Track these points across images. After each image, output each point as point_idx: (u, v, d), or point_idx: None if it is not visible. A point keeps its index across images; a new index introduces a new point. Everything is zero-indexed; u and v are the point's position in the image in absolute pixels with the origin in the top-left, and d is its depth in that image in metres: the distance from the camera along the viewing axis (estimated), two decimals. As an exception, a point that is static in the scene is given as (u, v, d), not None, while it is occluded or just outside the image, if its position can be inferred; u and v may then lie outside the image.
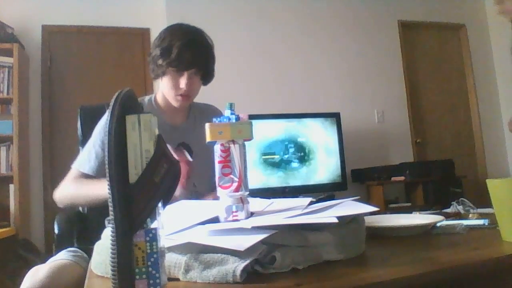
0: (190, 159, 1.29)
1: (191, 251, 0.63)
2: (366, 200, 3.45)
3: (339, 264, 0.68)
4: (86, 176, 1.28)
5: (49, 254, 1.39)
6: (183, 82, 1.28)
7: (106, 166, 0.51)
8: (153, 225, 0.54)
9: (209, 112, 1.43)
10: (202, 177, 1.32)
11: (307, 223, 0.68)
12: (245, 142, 0.78)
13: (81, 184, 1.27)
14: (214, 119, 0.77)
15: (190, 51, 1.25)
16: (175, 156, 0.60)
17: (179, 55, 1.24)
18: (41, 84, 3.66)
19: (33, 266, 1.13)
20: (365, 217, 0.87)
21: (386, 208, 3.59)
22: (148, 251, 0.52)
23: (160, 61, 1.26)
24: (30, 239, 3.24)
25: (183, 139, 1.34)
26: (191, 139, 1.35)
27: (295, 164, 3.64)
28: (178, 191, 0.80)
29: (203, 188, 1.34)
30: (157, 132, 0.57)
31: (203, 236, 0.66)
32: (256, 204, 0.82)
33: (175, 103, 1.33)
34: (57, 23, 3.73)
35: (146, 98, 1.41)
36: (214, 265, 0.61)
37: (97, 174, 1.26)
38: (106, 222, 1.25)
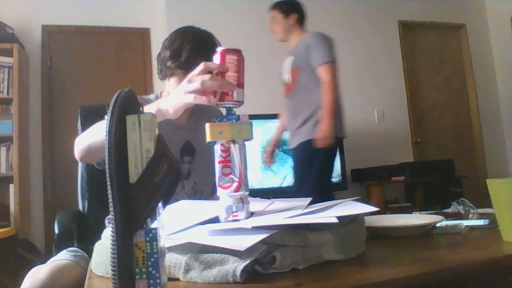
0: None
1: (191, 251, 0.63)
2: (366, 200, 3.45)
3: (339, 264, 0.68)
4: None
5: (49, 254, 1.39)
6: None
7: (106, 166, 0.51)
8: (153, 225, 0.54)
9: (209, 111, 1.44)
10: (204, 175, 1.36)
11: (307, 223, 0.68)
12: (245, 142, 0.78)
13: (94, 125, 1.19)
14: (214, 119, 0.77)
15: (200, 55, 1.25)
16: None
17: (189, 58, 1.25)
18: (41, 84, 3.66)
19: (33, 266, 1.13)
20: (365, 217, 0.87)
21: (386, 208, 3.59)
22: (148, 251, 0.52)
23: (169, 63, 1.28)
24: (30, 239, 3.25)
25: (188, 139, 1.36)
26: (193, 138, 1.37)
27: (295, 164, 3.64)
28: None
29: (204, 187, 1.37)
30: (157, 132, 0.57)
31: (203, 236, 0.66)
32: (256, 204, 0.82)
33: None
34: (57, 23, 3.73)
35: (152, 96, 1.41)
36: (214, 265, 0.61)
37: None
38: (106, 221, 1.26)
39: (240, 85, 0.80)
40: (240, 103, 0.79)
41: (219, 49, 0.81)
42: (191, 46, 1.27)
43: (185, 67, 1.26)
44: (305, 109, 2.53)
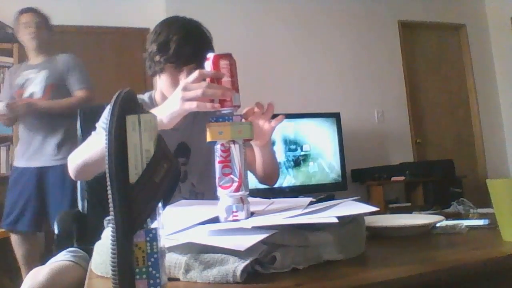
0: None
1: (191, 251, 0.63)
2: (366, 200, 3.45)
3: (339, 264, 0.68)
4: None
5: (49, 254, 1.39)
6: (182, 78, 1.21)
7: (106, 166, 0.51)
8: (153, 225, 0.54)
9: None
10: (202, 176, 1.30)
11: (307, 223, 0.68)
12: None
13: (87, 140, 1.19)
14: (210, 119, 0.77)
15: (189, 45, 1.19)
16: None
17: (178, 50, 1.19)
18: (41, 84, 3.66)
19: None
20: (365, 217, 0.87)
21: (386, 208, 3.59)
22: (148, 251, 0.52)
23: (157, 58, 1.22)
24: (30, 239, 3.23)
25: (182, 140, 1.31)
26: (188, 139, 1.32)
27: (295, 164, 3.64)
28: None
29: (204, 188, 1.31)
30: (157, 132, 0.57)
31: (203, 236, 0.66)
32: (256, 204, 0.82)
33: None
34: (57, 23, 3.72)
35: (146, 95, 1.37)
36: (214, 265, 0.61)
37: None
38: (105, 222, 1.25)
39: (236, 89, 0.80)
40: (238, 107, 0.80)
41: (210, 55, 0.82)
42: (179, 36, 1.20)
43: (175, 60, 1.20)
44: None
